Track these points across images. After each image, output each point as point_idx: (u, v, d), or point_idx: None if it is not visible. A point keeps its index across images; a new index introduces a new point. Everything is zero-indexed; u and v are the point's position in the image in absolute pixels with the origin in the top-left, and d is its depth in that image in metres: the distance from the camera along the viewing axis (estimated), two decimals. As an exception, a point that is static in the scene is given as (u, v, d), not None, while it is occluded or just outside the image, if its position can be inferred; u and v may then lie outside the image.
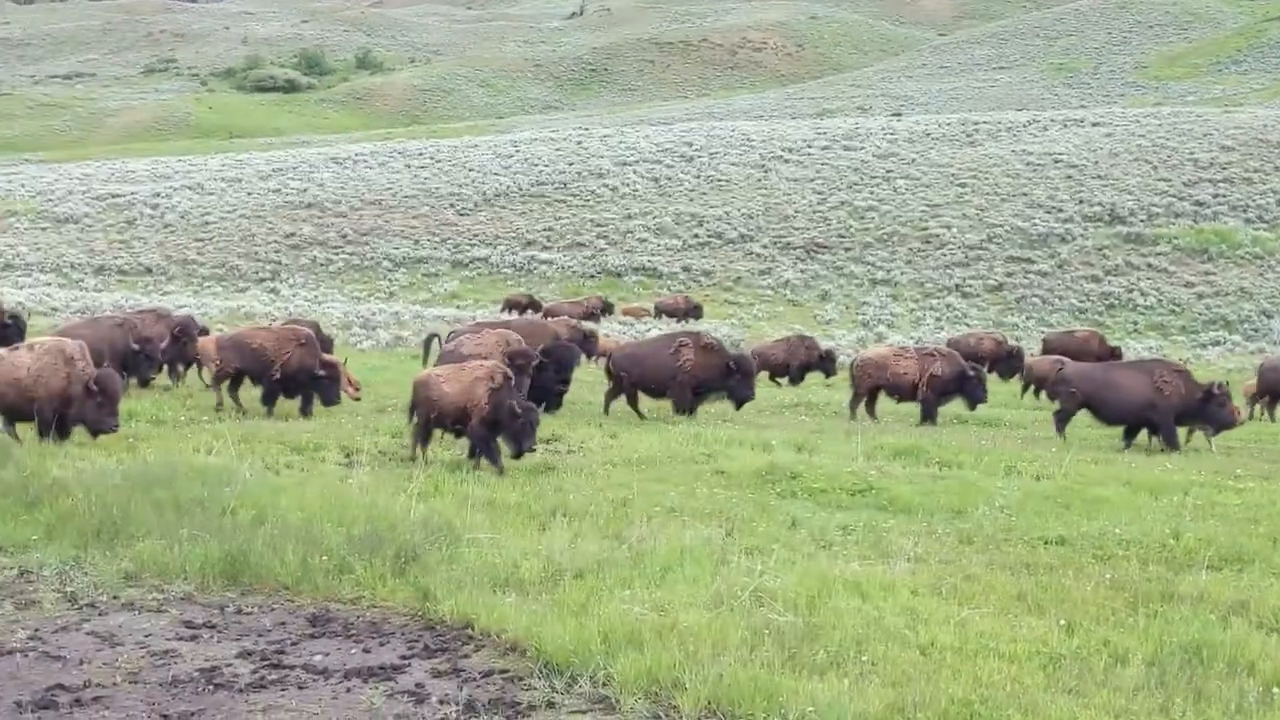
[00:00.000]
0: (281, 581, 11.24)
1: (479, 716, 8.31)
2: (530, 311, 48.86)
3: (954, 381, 25.77)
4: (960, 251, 59.99)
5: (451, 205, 69.54)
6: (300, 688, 8.87)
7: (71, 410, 17.85)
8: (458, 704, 8.47)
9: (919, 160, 71.77)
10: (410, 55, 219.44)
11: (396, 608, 10.73)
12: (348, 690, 8.83)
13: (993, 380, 30.43)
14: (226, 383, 23.32)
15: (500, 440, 17.51)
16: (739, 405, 24.74)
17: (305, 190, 73.50)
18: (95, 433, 18.00)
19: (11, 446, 16.23)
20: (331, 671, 9.18)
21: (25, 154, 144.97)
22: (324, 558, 11.40)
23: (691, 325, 44.13)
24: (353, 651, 9.69)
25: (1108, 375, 23.93)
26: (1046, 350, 36.88)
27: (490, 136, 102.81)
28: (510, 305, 50.98)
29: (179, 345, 25.96)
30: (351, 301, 55.23)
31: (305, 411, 22.81)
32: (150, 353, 24.40)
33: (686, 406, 24.51)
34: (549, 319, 35.97)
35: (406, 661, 9.45)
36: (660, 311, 50.29)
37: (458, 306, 54.19)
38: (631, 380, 24.76)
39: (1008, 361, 35.35)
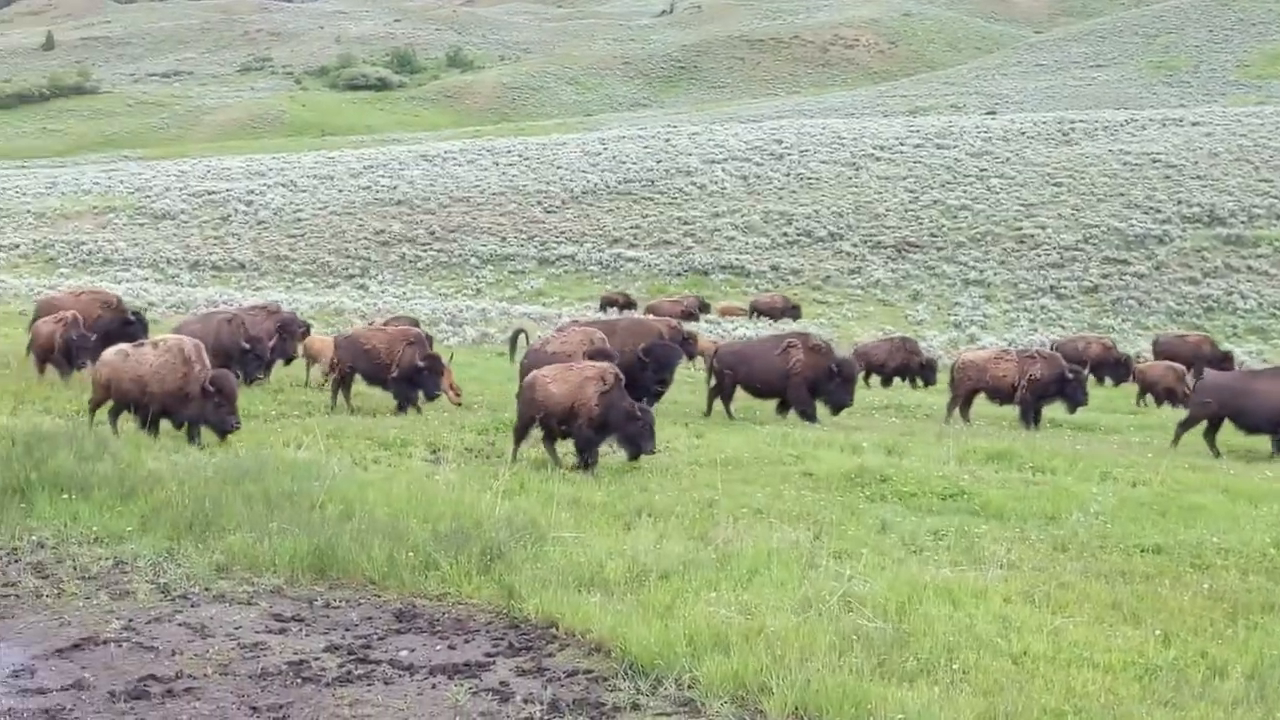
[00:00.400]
0: (368, 576, 11.28)
1: (563, 716, 8.26)
2: (626, 310, 48.80)
3: (1054, 384, 25.39)
4: (1055, 252, 59.21)
5: (539, 203, 69.80)
6: (386, 683, 8.89)
7: (190, 409, 17.87)
8: (542, 703, 8.43)
9: (1013, 159, 70.96)
10: (500, 53, 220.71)
11: (481, 605, 10.72)
12: (433, 687, 8.82)
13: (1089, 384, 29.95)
14: (319, 379, 23.69)
15: (617, 443, 17.25)
16: (836, 410, 24.28)
17: (395, 188, 74.12)
18: (220, 434, 17.99)
19: (109, 439, 16.42)
20: (417, 667, 9.19)
21: (124, 151, 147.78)
22: (410, 553, 11.43)
23: (791, 326, 43.74)
24: (438, 648, 9.70)
25: (1247, 384, 23.15)
26: (1158, 355, 36.27)
27: (578, 134, 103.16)
28: (607, 303, 50.94)
29: (283, 343, 26.12)
30: (439, 298, 55.61)
31: (403, 408, 23.09)
32: (260, 352, 24.32)
33: (806, 408, 24.06)
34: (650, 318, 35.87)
35: (491, 659, 9.43)
36: (756, 311, 49.86)
37: (543, 304, 54.37)
38: (736, 380, 24.58)
39: (1115, 368, 34.77)
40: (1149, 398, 31.23)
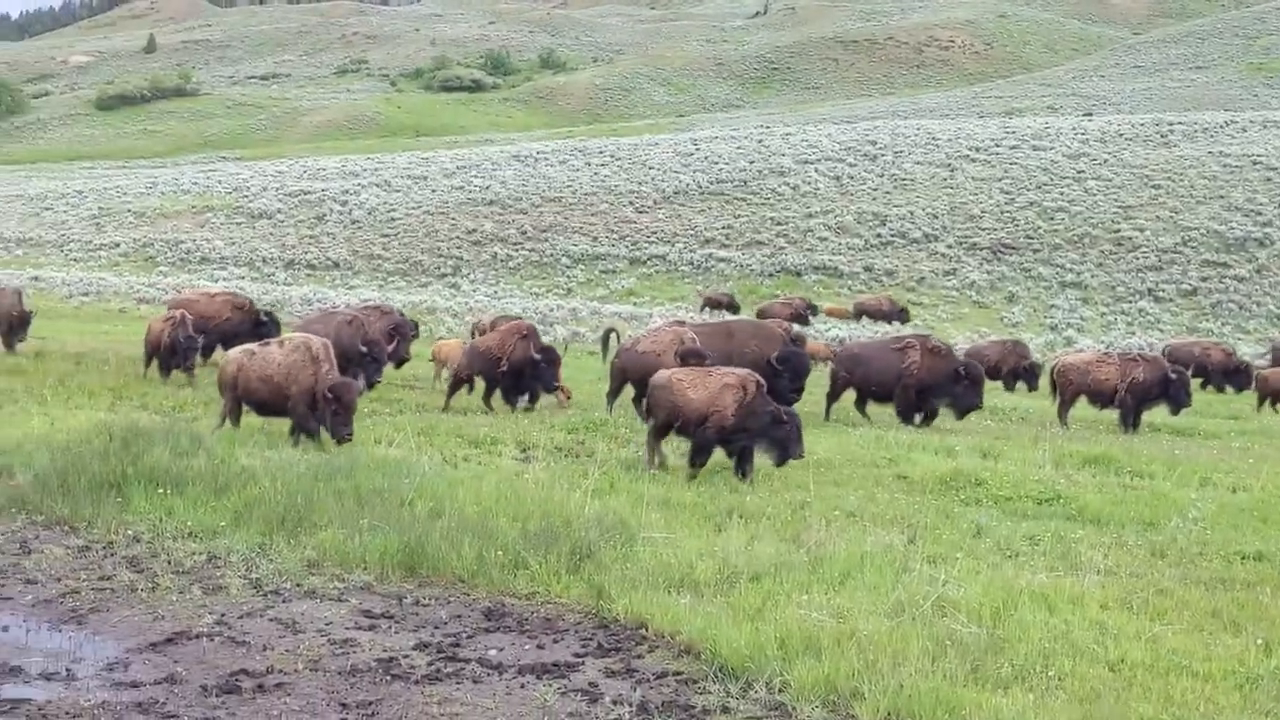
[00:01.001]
0: (457, 574, 11.28)
1: (652, 718, 8.19)
2: (730, 311, 48.51)
3: (1157, 387, 24.96)
4: (1153, 255, 58.24)
5: (630, 203, 69.83)
6: (475, 681, 8.87)
7: (319, 410, 17.61)
8: (631, 705, 8.37)
9: (1111, 161, 69.93)
10: (593, 55, 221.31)
11: (570, 604, 10.69)
12: (521, 686, 8.79)
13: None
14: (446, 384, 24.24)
15: (761, 448, 16.77)
16: (962, 414, 23.82)
17: (488, 188, 74.54)
18: (336, 440, 17.58)
19: (203, 436, 16.59)
20: (506, 666, 9.16)
21: (223, 152, 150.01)
22: (499, 552, 11.42)
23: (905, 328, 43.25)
24: (527, 647, 9.67)
25: None
26: (1277, 361, 35.50)
27: (671, 134, 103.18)
28: (709, 304, 50.62)
29: (397, 344, 25.75)
30: (530, 298, 55.84)
31: (511, 402, 23.28)
32: (378, 354, 23.45)
33: (911, 412, 23.74)
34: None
35: (580, 660, 9.38)
36: (861, 312, 49.29)
37: (634, 303, 54.38)
38: (853, 382, 24.32)
39: (1236, 375, 34.06)
40: (1277, 405, 30.44)
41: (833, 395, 24.57)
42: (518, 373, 23.13)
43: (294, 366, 17.83)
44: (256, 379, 18.04)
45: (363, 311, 26.35)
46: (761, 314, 42.33)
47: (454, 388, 24.05)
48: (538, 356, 22.91)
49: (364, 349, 23.21)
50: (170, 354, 24.48)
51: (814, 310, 48.38)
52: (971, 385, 23.55)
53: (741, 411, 16.58)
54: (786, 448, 16.60)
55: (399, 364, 26.68)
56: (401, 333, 25.79)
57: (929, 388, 23.63)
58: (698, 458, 16.95)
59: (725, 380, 17.01)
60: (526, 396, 23.63)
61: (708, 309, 49.62)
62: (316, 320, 25.32)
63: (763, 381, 17.13)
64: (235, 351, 18.93)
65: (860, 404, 24.63)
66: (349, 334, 23.41)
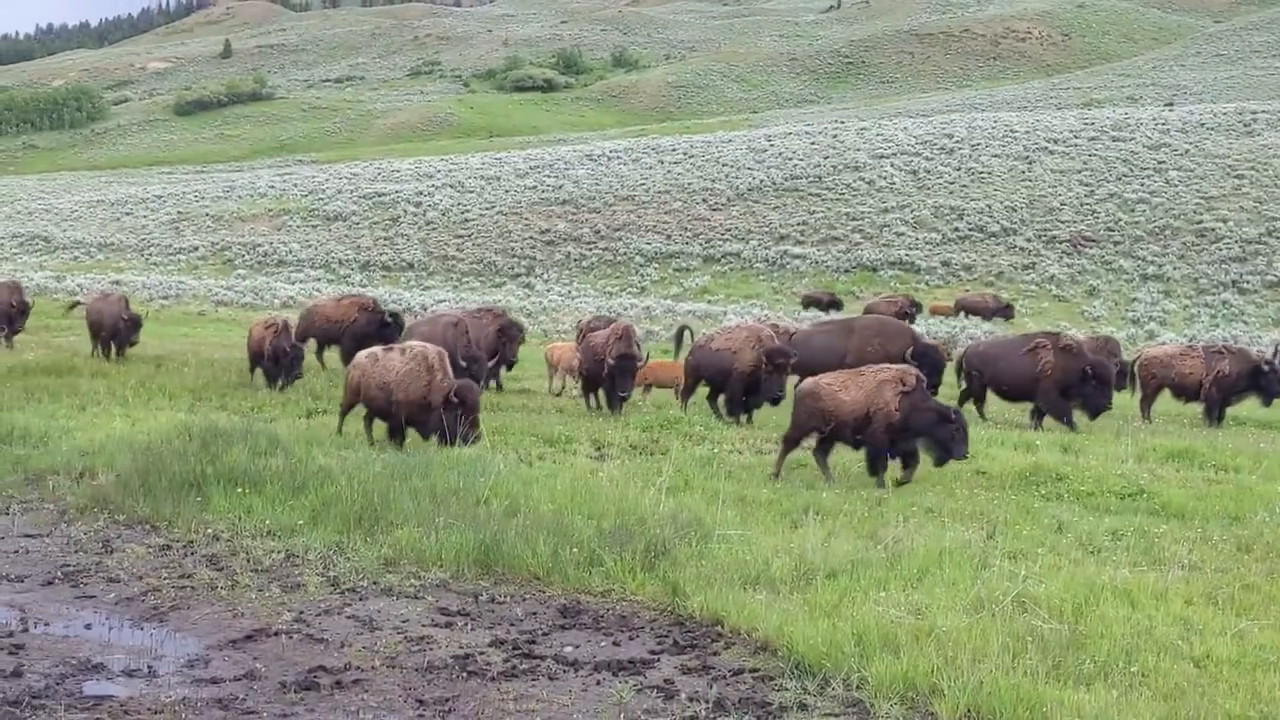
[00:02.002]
0: (533, 572, 11.30)
1: (729, 715, 8.15)
2: (831, 309, 48.07)
3: (1244, 379, 24.52)
4: (1237, 245, 57.30)
5: (704, 200, 69.72)
6: (551, 678, 8.87)
7: (431, 418, 17.31)
8: (707, 702, 8.33)
9: (1193, 151, 68.92)
10: (665, 52, 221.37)
11: (645, 602, 10.67)
12: (597, 683, 8.78)
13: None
14: (558, 387, 25.12)
15: (925, 449, 16.15)
16: (1094, 415, 22.77)
17: (560, 187, 74.72)
18: (463, 443, 17.15)
19: (281, 436, 16.71)
20: (581, 663, 9.16)
21: (298, 155, 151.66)
22: (574, 549, 11.42)
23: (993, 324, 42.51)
24: (602, 644, 9.66)
25: None
26: None
27: (744, 131, 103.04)
28: (809, 302, 50.16)
29: (503, 347, 25.27)
30: (603, 296, 55.90)
31: (614, 404, 22.99)
32: (476, 373, 21.55)
33: (1060, 413, 22.66)
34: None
35: (656, 656, 9.36)
36: (963, 309, 48.53)
37: (708, 301, 54.28)
38: (984, 382, 23.66)
39: None
40: None
41: (966, 395, 23.77)
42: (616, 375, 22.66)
43: (408, 376, 17.59)
44: (375, 385, 17.86)
45: (474, 315, 26.04)
46: (867, 312, 41.27)
47: (586, 388, 23.90)
48: (612, 361, 22.59)
49: (464, 364, 21.93)
50: (273, 362, 23.92)
51: (918, 308, 47.44)
52: (1101, 385, 22.57)
53: (906, 408, 15.94)
54: (950, 447, 15.94)
55: (508, 367, 26.62)
56: (509, 335, 25.35)
57: (1060, 387, 22.69)
58: (876, 465, 16.20)
59: (881, 377, 16.34)
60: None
61: (807, 307, 49.10)
62: (424, 323, 25.15)
63: (923, 376, 16.55)
64: (361, 355, 18.81)
65: (979, 403, 23.97)
66: (454, 337, 23.05)
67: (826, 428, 16.36)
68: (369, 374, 18.02)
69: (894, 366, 16.86)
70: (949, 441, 15.86)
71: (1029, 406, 23.56)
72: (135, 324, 28.12)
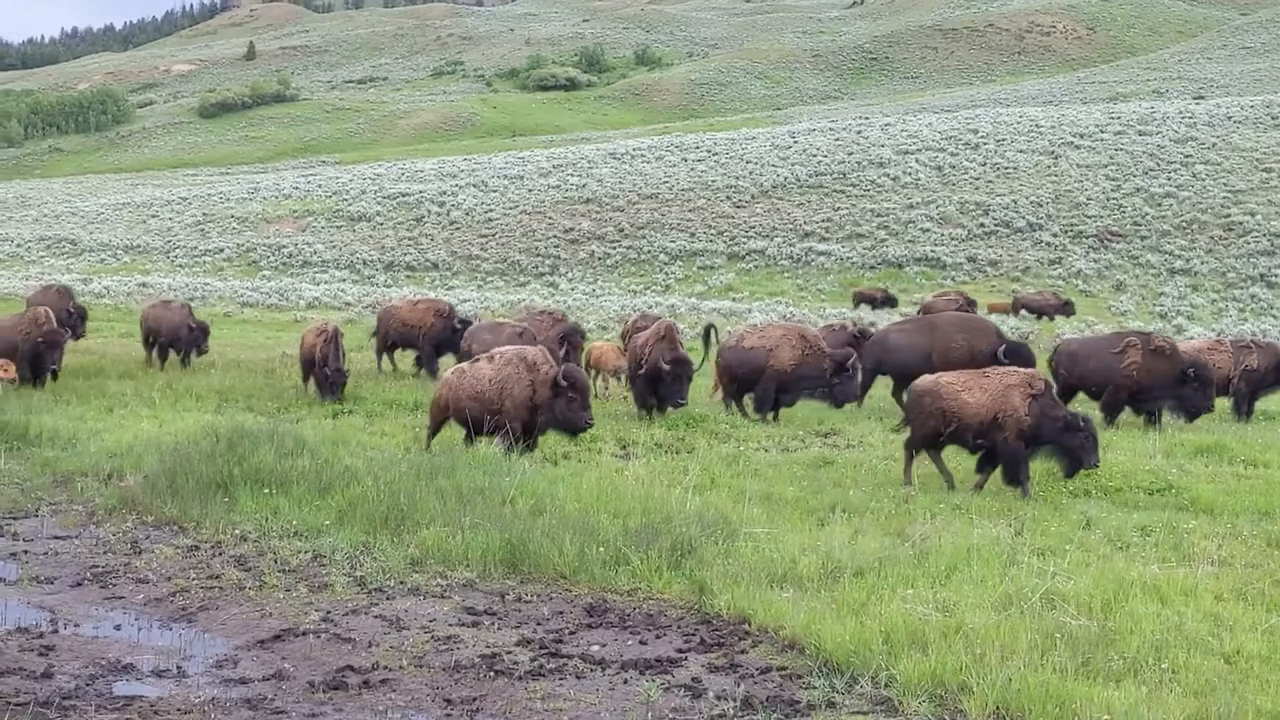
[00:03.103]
0: (559, 571, 11.30)
1: (757, 714, 8.12)
2: (884, 307, 47.66)
3: (1272, 373, 24.30)
4: (1265, 239, 56.94)
5: (728, 198, 69.63)
6: (578, 677, 8.86)
7: (540, 416, 16.77)
8: (735, 700, 8.31)
9: (1220, 144, 68.52)
10: (688, 50, 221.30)
11: (672, 600, 10.66)
12: (624, 682, 8.77)
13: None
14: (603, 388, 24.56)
15: (1053, 456, 15.57)
16: (1192, 417, 21.90)
17: (584, 186, 74.72)
18: (572, 433, 17.14)
19: (307, 437, 16.73)
20: (608, 662, 9.15)
21: (322, 156, 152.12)
22: (600, 548, 11.42)
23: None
24: (629, 643, 9.65)
25: None
26: None
27: (767, 128, 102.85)
28: (862, 299, 49.73)
29: (567, 353, 24.31)
30: (628, 295, 55.86)
31: (662, 407, 21.87)
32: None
33: (1117, 413, 22.01)
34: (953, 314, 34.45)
35: (683, 655, 9.34)
36: (1020, 307, 47.76)
37: (733, 299, 54.20)
38: (1070, 381, 22.58)
39: None
40: None
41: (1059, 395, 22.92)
42: (655, 377, 21.55)
43: (508, 380, 16.92)
44: (468, 397, 17.10)
45: (534, 319, 25.83)
46: (925, 310, 39.80)
47: (642, 396, 22.35)
48: (667, 367, 21.47)
49: None
50: (324, 370, 22.98)
51: (973, 305, 46.72)
52: (1202, 386, 21.56)
53: (1036, 414, 15.30)
54: (1080, 457, 15.30)
55: None
56: (571, 341, 24.74)
57: (1149, 389, 21.75)
58: (1016, 474, 15.47)
59: (1008, 380, 15.72)
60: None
61: (859, 304, 48.77)
62: (485, 329, 24.53)
63: (1050, 381, 15.89)
64: (448, 374, 18.20)
65: (1065, 403, 23.21)
66: (520, 343, 21.59)
67: (947, 429, 15.75)
68: (458, 388, 17.33)
69: (1021, 370, 16.24)
70: (1079, 450, 15.27)
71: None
72: (204, 331, 27.78)
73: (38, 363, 23.57)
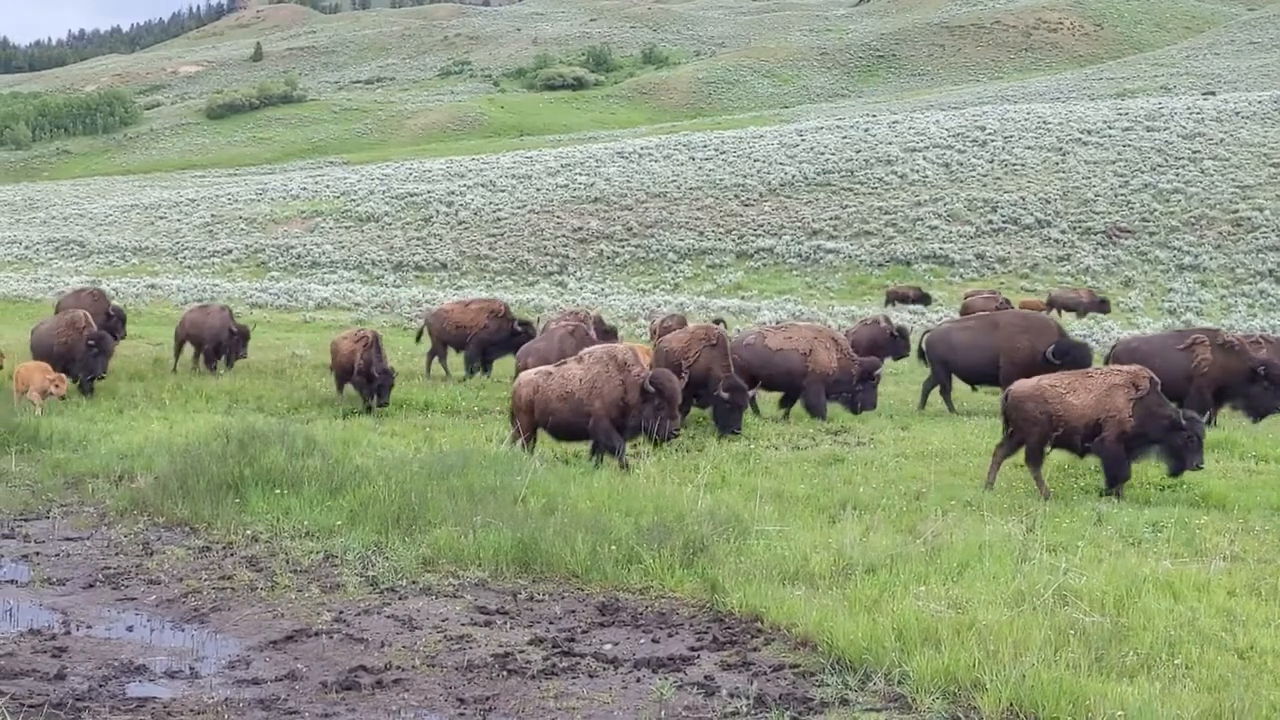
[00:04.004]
0: (571, 570, 11.30)
1: (770, 711, 8.12)
2: (919, 305, 47.30)
3: None
4: (1274, 235, 56.76)
5: (736, 196, 69.55)
6: (590, 676, 8.87)
7: (630, 419, 16.33)
8: (748, 698, 8.31)
9: (1228, 140, 68.36)
10: (695, 49, 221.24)
11: (684, 598, 10.67)
12: (637, 680, 8.78)
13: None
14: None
15: (1157, 457, 15.20)
16: (1260, 417, 20.93)
17: (592, 185, 74.67)
18: (655, 441, 16.72)
19: (318, 437, 16.75)
20: (621, 661, 9.15)
21: (330, 156, 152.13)
22: (613, 547, 11.42)
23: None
24: (641, 641, 9.65)
25: None
26: None
27: (775, 126, 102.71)
28: (895, 298, 49.22)
29: None
30: (637, 294, 55.83)
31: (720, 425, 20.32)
32: None
33: (1209, 413, 21.09)
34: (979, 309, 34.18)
35: (695, 653, 9.35)
36: (1055, 305, 47.17)
37: (742, 297, 54.17)
38: None
39: None
40: None
41: None
42: (699, 384, 20.21)
43: (598, 379, 16.45)
44: (556, 398, 16.61)
45: (569, 320, 25.00)
46: (966, 309, 39.02)
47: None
48: (726, 394, 19.93)
49: None
50: (366, 380, 22.26)
51: (1007, 304, 45.98)
52: (1272, 385, 20.60)
53: (1140, 414, 14.93)
54: (1184, 457, 14.90)
55: None
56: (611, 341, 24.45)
57: (1222, 388, 20.93)
58: (1115, 474, 15.18)
59: (1111, 380, 15.30)
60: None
61: (891, 302, 48.50)
62: (540, 339, 23.74)
63: (1156, 379, 15.40)
64: (531, 373, 17.48)
65: None
66: (573, 346, 21.54)
67: (1053, 434, 15.30)
68: (546, 389, 16.76)
69: (1125, 368, 15.78)
70: (1184, 450, 14.89)
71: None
72: (244, 336, 27.22)
73: (80, 369, 22.91)
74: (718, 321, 27.58)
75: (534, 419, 16.93)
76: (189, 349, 27.88)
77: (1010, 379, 20.65)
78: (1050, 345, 21.44)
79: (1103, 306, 46.33)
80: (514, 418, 17.45)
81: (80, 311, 24.34)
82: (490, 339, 26.82)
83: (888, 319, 27.94)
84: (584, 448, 17.85)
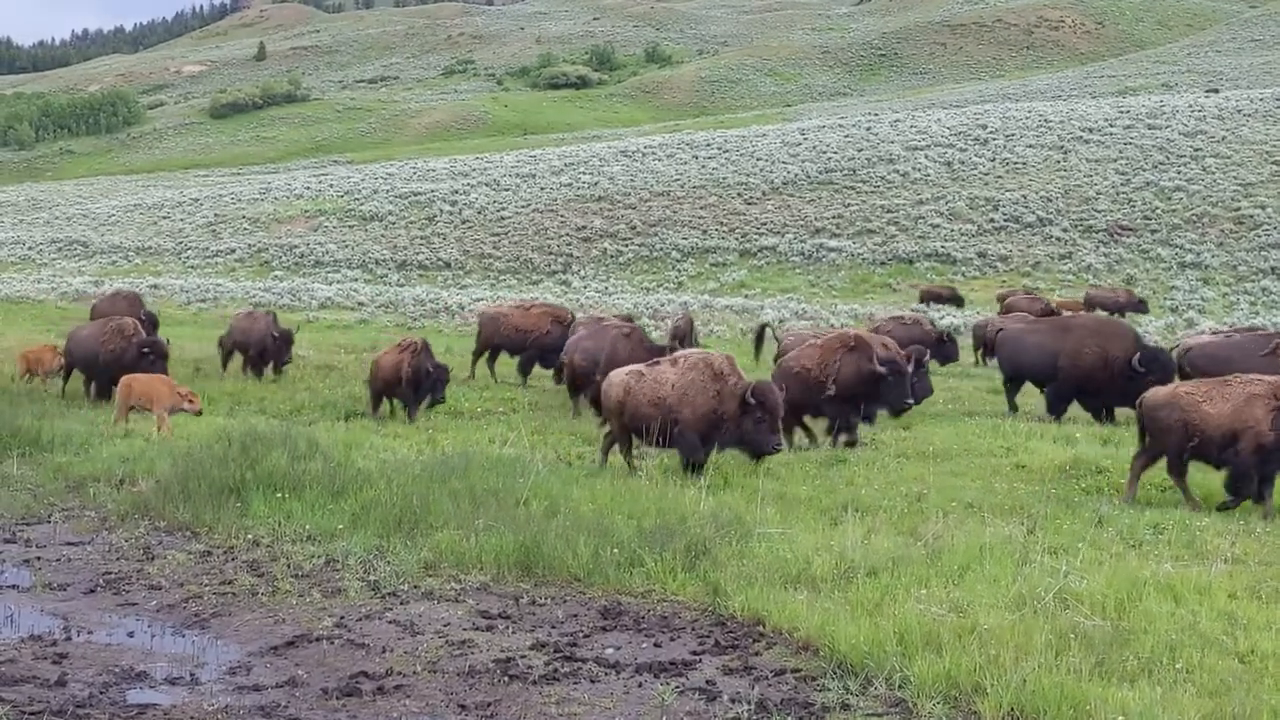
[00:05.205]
0: (573, 573, 11.29)
1: (771, 717, 8.13)
2: (951, 305, 47.06)
3: None
4: (1276, 232, 56.69)
5: (739, 194, 69.55)
6: (592, 681, 8.86)
7: (722, 431, 15.75)
8: (749, 703, 8.30)
9: (1229, 138, 68.30)
10: (698, 47, 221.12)
11: (687, 602, 10.66)
12: (639, 685, 8.77)
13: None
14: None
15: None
16: None
17: (596, 184, 74.67)
18: (756, 455, 15.97)
19: (320, 439, 16.73)
20: (623, 665, 9.15)
21: (333, 156, 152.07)
22: (615, 550, 11.42)
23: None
24: (644, 645, 9.64)
25: None
26: None
27: (778, 125, 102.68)
28: (928, 297, 48.79)
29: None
30: (640, 292, 55.82)
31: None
32: None
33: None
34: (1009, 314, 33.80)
35: (697, 657, 9.34)
36: (1093, 305, 46.74)
37: (745, 296, 54.15)
38: None
39: None
40: None
41: None
42: (848, 399, 18.81)
43: (690, 386, 15.81)
44: (647, 403, 16.02)
45: (613, 321, 24.48)
46: (1008, 309, 38.37)
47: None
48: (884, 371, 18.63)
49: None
50: (414, 388, 21.41)
51: (1048, 306, 45.03)
52: None
53: (1278, 425, 14.37)
54: None
55: None
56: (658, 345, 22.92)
57: None
58: (1241, 487, 14.58)
59: (1251, 390, 14.73)
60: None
61: (925, 301, 48.29)
62: (587, 337, 22.80)
63: None
64: (621, 373, 16.83)
65: None
66: (627, 348, 21.24)
67: (1189, 444, 14.80)
68: (636, 392, 16.18)
69: (1265, 378, 15.04)
70: None
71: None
72: (287, 340, 26.24)
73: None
74: (764, 325, 26.75)
75: (624, 423, 16.43)
76: (237, 357, 27.17)
77: (1070, 384, 20.44)
78: (1132, 353, 20.79)
79: (1141, 307, 45.83)
80: (605, 420, 16.92)
81: (129, 319, 23.49)
82: (554, 345, 25.56)
83: (932, 322, 27.36)
84: (587, 449, 17.87)
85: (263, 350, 26.16)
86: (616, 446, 16.84)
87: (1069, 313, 43.04)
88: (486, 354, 27.93)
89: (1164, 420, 15.03)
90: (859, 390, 18.71)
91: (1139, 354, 20.73)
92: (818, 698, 8.43)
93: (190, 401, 18.83)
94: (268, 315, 27.07)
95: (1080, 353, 21.39)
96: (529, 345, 26.65)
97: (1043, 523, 12.94)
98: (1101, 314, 34.57)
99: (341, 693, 8.60)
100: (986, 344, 31.36)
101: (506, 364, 27.81)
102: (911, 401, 19.31)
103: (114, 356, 22.11)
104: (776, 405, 15.65)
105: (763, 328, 27.00)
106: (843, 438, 18.89)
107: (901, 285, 54.83)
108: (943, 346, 25.70)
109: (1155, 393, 15.68)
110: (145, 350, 21.92)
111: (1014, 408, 23.07)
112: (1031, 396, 23.88)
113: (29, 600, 10.85)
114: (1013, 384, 23.43)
